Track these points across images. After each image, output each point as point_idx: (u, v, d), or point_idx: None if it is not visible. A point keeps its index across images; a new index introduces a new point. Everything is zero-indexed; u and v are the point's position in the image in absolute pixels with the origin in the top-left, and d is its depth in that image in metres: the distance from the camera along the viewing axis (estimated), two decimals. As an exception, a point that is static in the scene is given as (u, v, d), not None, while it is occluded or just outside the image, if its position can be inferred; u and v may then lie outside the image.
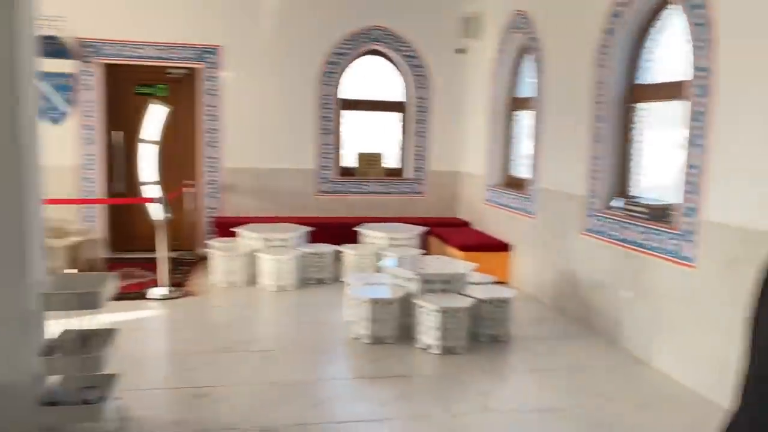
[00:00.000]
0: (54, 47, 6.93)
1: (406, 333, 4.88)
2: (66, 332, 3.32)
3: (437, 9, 7.91)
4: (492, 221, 7.26)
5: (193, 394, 3.84)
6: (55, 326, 3.30)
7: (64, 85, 7.16)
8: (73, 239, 6.27)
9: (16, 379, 3.05)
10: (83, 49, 7.18)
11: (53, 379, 3.28)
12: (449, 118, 8.12)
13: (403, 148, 8.33)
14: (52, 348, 3.19)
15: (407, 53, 7.93)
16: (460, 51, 7.95)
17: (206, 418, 3.54)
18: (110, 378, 3.31)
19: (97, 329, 3.37)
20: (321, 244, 6.80)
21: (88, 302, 3.06)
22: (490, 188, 7.35)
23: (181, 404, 3.73)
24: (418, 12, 7.87)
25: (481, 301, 4.89)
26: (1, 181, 2.93)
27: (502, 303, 4.96)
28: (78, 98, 7.23)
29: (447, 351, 4.62)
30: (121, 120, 7.47)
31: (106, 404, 3.13)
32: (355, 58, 7.91)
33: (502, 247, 6.70)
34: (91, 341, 3.27)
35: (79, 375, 3.10)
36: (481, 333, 4.92)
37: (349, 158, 8.21)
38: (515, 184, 7.00)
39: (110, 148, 7.50)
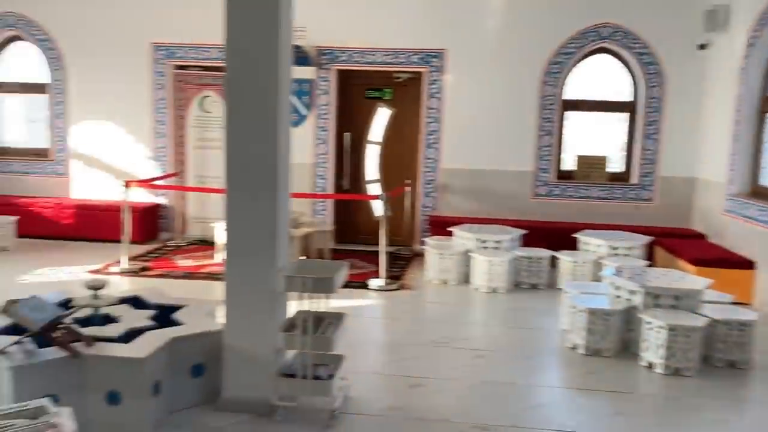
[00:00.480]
0: (298, 55, 7.67)
1: (626, 347, 4.60)
2: (299, 312, 3.66)
3: (676, 3, 7.31)
4: (732, 234, 6.50)
5: (408, 383, 4.01)
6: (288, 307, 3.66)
7: (304, 90, 7.91)
8: (306, 230, 6.90)
9: (263, 351, 3.45)
10: (321, 57, 7.86)
11: (288, 354, 3.65)
12: (685, 119, 7.45)
13: (629, 152, 7.83)
14: (290, 326, 3.54)
15: (639, 50, 7.43)
16: (702, 47, 7.24)
17: (420, 407, 3.68)
18: (338, 358, 3.59)
19: (327, 312, 3.66)
20: (535, 248, 6.66)
21: (324, 287, 3.34)
22: (732, 198, 6.59)
23: (396, 391, 3.91)
24: (653, 7, 7.34)
25: (716, 322, 4.42)
26: (261, 178, 3.33)
27: (742, 326, 4.43)
28: (315, 102, 7.94)
29: (673, 372, 4.26)
30: (350, 122, 8.05)
31: (334, 382, 3.40)
32: (581, 58, 7.61)
33: (744, 264, 5.97)
34: (322, 323, 3.57)
35: (313, 352, 3.40)
36: (716, 357, 4.44)
37: (568, 161, 7.94)
38: (764, 194, 6.20)
39: (340, 148, 8.11)
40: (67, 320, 3.34)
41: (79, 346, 3.18)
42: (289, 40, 3.48)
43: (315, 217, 7.98)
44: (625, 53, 7.54)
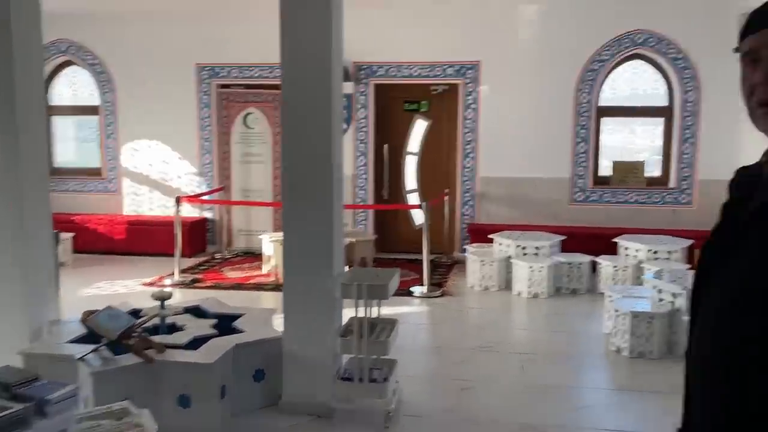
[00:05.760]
0: (336, 71, 7.92)
1: (671, 349, 4.67)
2: (352, 318, 3.83)
3: (709, 7, 7.34)
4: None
5: (458, 387, 4.15)
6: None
7: (343, 104, 8.12)
8: (349, 240, 7.08)
9: (320, 355, 3.64)
10: (360, 72, 8.08)
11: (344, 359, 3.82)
12: (722, 122, 7.46)
13: (667, 156, 7.86)
14: (346, 331, 3.72)
15: (674, 55, 7.48)
16: (737, 50, 7.25)
17: (471, 409, 3.82)
18: (392, 362, 3.75)
19: (380, 318, 3.83)
20: (575, 253, 6.75)
21: (379, 293, 3.51)
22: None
23: (447, 394, 4.06)
24: (686, 12, 7.39)
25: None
26: (318, 188, 3.53)
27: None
28: (354, 116, 8.15)
29: (719, 373, 4.31)
30: (388, 134, 8.24)
31: (389, 384, 3.57)
32: (615, 64, 7.69)
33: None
34: (376, 328, 3.74)
35: (368, 357, 3.57)
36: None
37: (605, 167, 8.01)
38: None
39: (379, 160, 8.31)
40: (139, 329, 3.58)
41: (151, 352, 3.40)
42: (341, 55, 3.68)
43: (356, 226, 8.18)
44: (659, 58, 7.60)
